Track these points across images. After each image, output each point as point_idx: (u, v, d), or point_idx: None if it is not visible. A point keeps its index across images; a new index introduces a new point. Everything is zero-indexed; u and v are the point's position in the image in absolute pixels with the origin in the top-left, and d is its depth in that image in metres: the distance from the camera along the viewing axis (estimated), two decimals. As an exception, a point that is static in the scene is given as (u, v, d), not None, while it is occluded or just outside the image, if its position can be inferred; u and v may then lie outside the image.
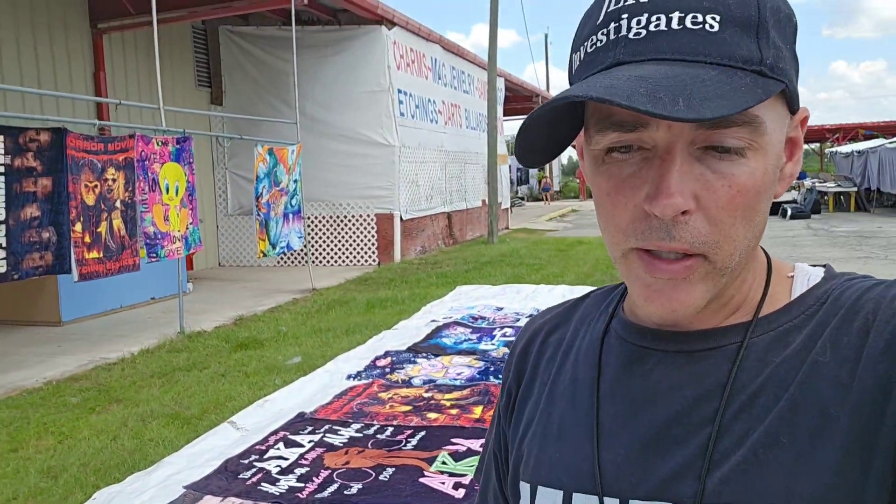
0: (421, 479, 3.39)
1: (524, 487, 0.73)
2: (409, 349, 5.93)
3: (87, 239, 6.06)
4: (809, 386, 0.58)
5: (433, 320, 7.08)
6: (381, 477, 3.45)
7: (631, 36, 0.56)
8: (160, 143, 6.86)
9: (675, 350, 0.65)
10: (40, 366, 6.03)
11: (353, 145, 11.79)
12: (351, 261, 12.19)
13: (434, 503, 3.18)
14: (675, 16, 0.55)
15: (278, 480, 3.49)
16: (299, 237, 9.31)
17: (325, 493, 3.31)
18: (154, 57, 7.43)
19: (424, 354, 5.76)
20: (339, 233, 12.18)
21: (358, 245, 12.20)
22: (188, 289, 9.73)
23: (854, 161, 22.09)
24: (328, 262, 12.15)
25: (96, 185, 6.14)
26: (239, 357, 6.11)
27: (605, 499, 0.65)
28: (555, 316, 0.82)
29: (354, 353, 5.88)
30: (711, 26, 0.55)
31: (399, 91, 12.22)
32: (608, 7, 0.58)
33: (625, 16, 0.57)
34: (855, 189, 21.45)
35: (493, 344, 6.06)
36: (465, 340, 6.20)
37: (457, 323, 6.86)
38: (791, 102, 0.61)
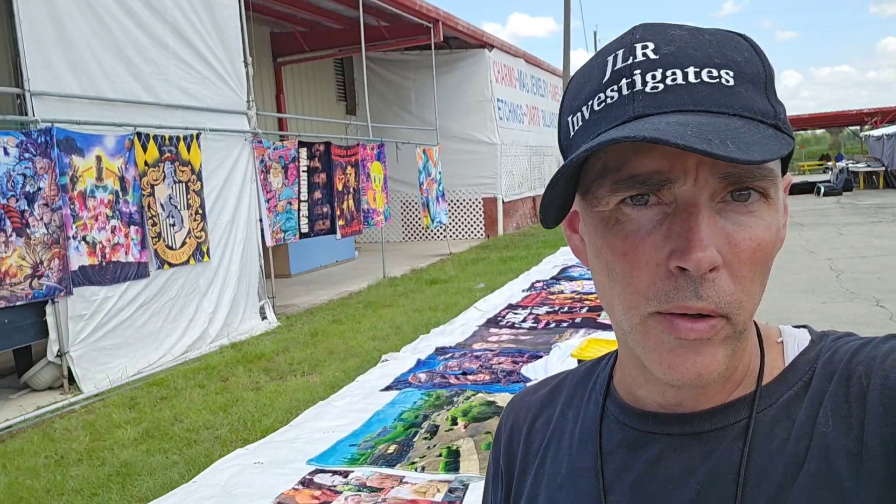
0: (598, 321, 6.59)
1: None
2: (552, 278, 9.14)
3: (338, 212, 9.37)
4: (821, 460, 0.56)
5: (555, 265, 10.27)
6: (576, 321, 6.66)
7: (648, 90, 0.54)
8: (371, 149, 10.15)
9: (681, 433, 0.62)
10: (309, 296, 9.37)
11: (464, 144, 15.05)
12: (465, 235, 15.48)
13: (604, 329, 6.37)
14: (691, 70, 0.54)
15: (521, 326, 6.71)
16: (445, 214, 12.65)
17: (551, 326, 6.53)
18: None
19: (563, 280, 8.95)
20: (454, 213, 15.47)
21: (469, 223, 15.48)
22: (355, 255, 13.11)
23: (885, 143, 24.52)
24: (448, 236, 15.43)
25: (342, 178, 9.44)
26: (437, 287, 9.36)
27: None
28: (538, 398, 0.79)
29: (517, 280, 9.13)
30: (727, 81, 0.54)
31: (497, 100, 15.43)
32: (614, 66, 0.56)
33: (637, 71, 0.55)
34: (883, 168, 23.87)
35: (605, 275, 9.19)
36: (587, 273, 9.35)
37: (575, 265, 10.03)
38: (785, 164, 0.60)
